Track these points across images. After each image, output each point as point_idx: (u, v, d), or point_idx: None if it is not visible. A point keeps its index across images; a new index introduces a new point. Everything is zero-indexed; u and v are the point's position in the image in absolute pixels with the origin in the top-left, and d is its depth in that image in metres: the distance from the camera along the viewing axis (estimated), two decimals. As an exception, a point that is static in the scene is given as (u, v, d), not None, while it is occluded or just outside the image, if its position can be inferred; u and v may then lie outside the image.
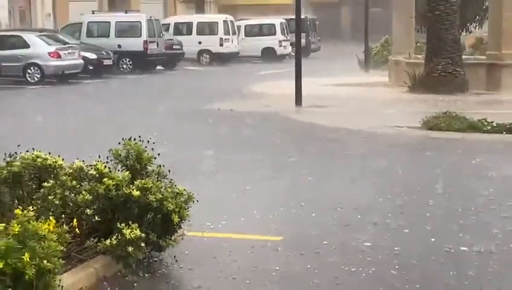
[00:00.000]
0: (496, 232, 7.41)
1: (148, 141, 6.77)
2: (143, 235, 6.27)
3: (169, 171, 6.78)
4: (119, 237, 6.21)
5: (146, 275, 6.20)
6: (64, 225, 5.85)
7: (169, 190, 6.60)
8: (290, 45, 39.65)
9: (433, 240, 7.18)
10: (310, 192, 9.42)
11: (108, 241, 6.24)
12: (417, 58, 23.49)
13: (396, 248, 6.88)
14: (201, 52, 37.99)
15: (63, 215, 6.17)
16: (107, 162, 6.63)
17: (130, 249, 6.19)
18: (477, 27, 31.73)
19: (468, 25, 29.88)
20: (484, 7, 27.82)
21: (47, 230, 5.32)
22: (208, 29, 38.89)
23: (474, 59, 23.77)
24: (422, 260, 6.60)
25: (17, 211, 5.44)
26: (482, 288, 5.91)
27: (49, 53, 26.86)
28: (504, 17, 21.68)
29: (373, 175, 10.41)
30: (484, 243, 6.94)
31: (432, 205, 8.55)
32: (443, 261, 6.53)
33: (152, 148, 6.76)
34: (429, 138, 13.74)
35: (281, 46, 40.98)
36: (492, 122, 14.03)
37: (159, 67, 33.53)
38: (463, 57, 22.21)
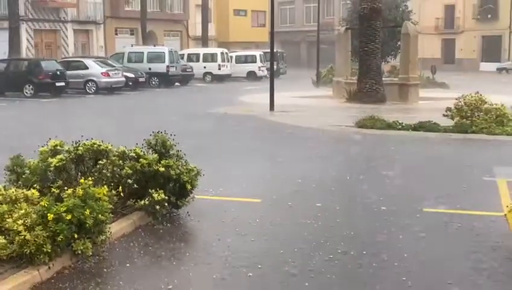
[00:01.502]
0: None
1: (170, 134, 6.76)
2: (166, 197, 6.26)
3: (184, 154, 6.76)
4: (150, 199, 6.20)
5: (168, 225, 6.19)
6: (113, 190, 5.85)
7: (185, 167, 6.59)
8: (266, 69, 39.58)
9: (356, 198, 7.21)
10: (278, 168, 9.41)
11: (142, 201, 6.23)
12: (352, 79, 23.51)
13: (337, 207, 6.90)
14: (205, 74, 37.77)
15: (112, 184, 6.16)
16: (142, 147, 6.61)
17: (157, 207, 6.19)
18: (392, 58, 31.87)
19: (386, 56, 29.99)
20: (397, 45, 27.93)
21: (101, 194, 5.30)
22: (210, 58, 38.63)
23: (390, 80, 23.83)
24: (346, 209, 6.62)
25: (81, 181, 5.42)
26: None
27: (102, 73, 26.68)
28: (411, 51, 21.79)
29: (320, 157, 10.42)
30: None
31: (357, 177, 8.58)
32: (355, 207, 6.56)
33: (173, 139, 6.75)
34: (359, 133, 13.79)
35: (260, 70, 40.76)
36: (402, 123, 14.08)
37: (176, 83, 33.33)
38: (383, 78, 22.27)
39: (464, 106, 13.72)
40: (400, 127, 13.90)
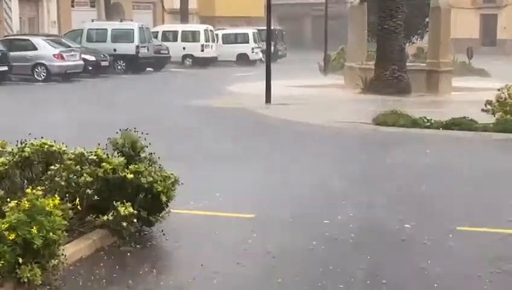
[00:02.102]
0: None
1: (141, 133, 6.74)
2: (135, 212, 6.25)
3: (158, 157, 6.75)
4: (115, 214, 6.18)
5: (137, 246, 6.17)
6: (68, 203, 5.82)
7: (159, 174, 6.57)
8: (261, 51, 39.65)
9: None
10: (275, 176, 9.41)
11: (105, 217, 6.20)
12: (368, 64, 23.57)
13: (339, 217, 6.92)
14: (185, 57, 37.77)
15: (66, 195, 6.14)
16: (105, 149, 6.59)
17: (124, 224, 6.17)
18: (418, 39, 31.98)
19: (411, 37, 30.11)
20: (425, 22, 28.03)
21: (53, 207, 5.27)
22: (191, 36, 38.66)
23: (416, 66, 23.92)
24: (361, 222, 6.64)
25: (28, 190, 5.39)
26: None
27: (54, 55, 26.58)
28: (441, 30, 21.85)
29: (328, 162, 10.43)
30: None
31: (374, 188, 8.59)
32: (372, 226, 6.57)
33: (145, 138, 6.73)
34: (377, 132, 13.81)
35: (253, 52, 40.86)
36: (431, 119, 14.13)
37: (148, 68, 33.26)
38: (407, 64, 22.34)
39: (508, 99, 13.78)
40: (428, 124, 13.95)
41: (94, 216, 6.28)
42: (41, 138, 6.58)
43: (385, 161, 10.69)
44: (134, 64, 31.66)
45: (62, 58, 26.74)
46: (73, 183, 6.28)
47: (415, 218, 7.14)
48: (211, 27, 39.76)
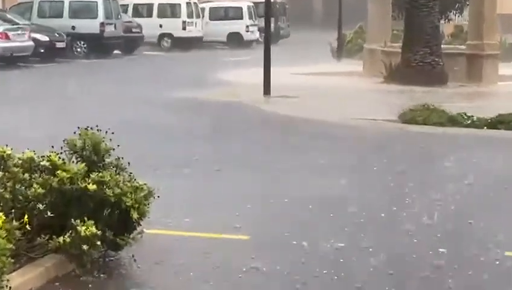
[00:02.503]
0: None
1: (106, 132, 6.70)
2: (99, 232, 6.22)
3: (128, 163, 6.73)
4: (73, 234, 6.16)
5: (101, 275, 6.14)
6: (14, 221, 5.79)
7: (128, 184, 6.55)
8: (258, 30, 39.71)
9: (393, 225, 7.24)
10: (276, 187, 9.42)
11: (61, 238, 6.18)
12: (393, 46, 23.62)
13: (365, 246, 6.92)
14: (162, 36, 37.86)
15: (12, 210, 6.11)
16: (61, 153, 6.57)
17: (84, 247, 6.14)
18: (457, 15, 32.04)
19: (447, 12, 30.20)
20: (465, -6, 28.11)
21: (-5, 226, 5.26)
22: (170, 11, 38.74)
23: (454, 49, 23.98)
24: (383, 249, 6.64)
25: (-37, 205, 5.37)
26: None
27: (-3, 34, 26.61)
28: (486, 4, 21.87)
29: (343, 170, 10.42)
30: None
31: (400, 203, 8.60)
32: (397, 250, 6.57)
33: (110, 139, 6.70)
34: (405, 131, 13.82)
35: (248, 31, 40.96)
36: (472, 116, 14.14)
37: (116, 51, 33.30)
38: (442, 46, 22.38)
39: None
40: (468, 122, 13.97)
41: (47, 238, 6.25)
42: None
43: (415, 171, 10.68)
44: (98, 45, 31.68)
45: (7, 37, 26.75)
46: (20, 196, 6.26)
47: (454, 242, 7.14)
48: (195, -1, 39.85)
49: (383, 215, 8.16)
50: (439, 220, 7.94)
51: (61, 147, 6.61)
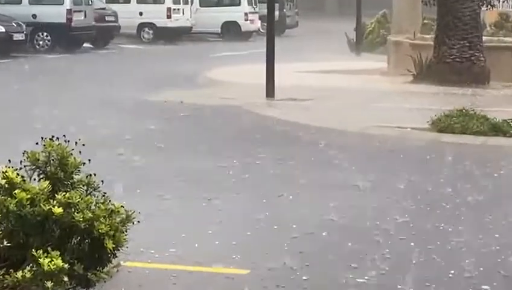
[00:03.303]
0: None
1: (76, 143, 6.69)
2: (66, 265, 6.22)
3: (102, 181, 6.72)
4: (35, 268, 6.15)
5: (70, 319, 6.15)
6: (-38, 251, 5.79)
7: (102, 207, 6.54)
8: (259, 19, 39.78)
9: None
10: (280, 211, 9.44)
11: (19, 273, 6.17)
12: (424, 38, 23.65)
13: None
14: (142, 26, 37.92)
15: (-40, 238, 6.11)
16: (20, 169, 6.56)
17: (48, 284, 6.14)
18: (500, 0, 32.10)
19: (490, -4, 30.19)
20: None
21: None
22: (152, -5, 38.85)
23: (498, 41, 24.00)
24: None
25: None
26: None
27: None
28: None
29: (362, 190, 10.44)
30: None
31: (425, 230, 8.60)
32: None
33: (80, 152, 6.69)
34: (440, 142, 13.83)
35: (247, 20, 41.04)
36: (521, 123, 14.19)
37: (86, 44, 33.39)
38: (484, 38, 22.39)
39: None
40: (516, 131, 14.01)
41: (2, 272, 6.26)
42: None
43: (458, 191, 10.65)
44: (64, 38, 31.77)
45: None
46: (-31, 222, 6.26)
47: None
48: (182, -19, 39.92)
49: (430, 247, 8.12)
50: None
51: (20, 161, 6.60)
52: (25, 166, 6.59)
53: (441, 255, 7.73)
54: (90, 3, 33.38)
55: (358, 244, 8.07)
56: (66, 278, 6.20)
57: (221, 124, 15.91)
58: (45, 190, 6.43)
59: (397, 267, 7.38)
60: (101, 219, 6.42)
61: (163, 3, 38.10)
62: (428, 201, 9.99)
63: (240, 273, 7.23)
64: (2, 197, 6.39)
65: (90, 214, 6.39)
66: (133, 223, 6.62)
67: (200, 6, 40.77)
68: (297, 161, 12.48)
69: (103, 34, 34.14)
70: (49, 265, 6.12)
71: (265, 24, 21.86)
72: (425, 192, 10.51)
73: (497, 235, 8.43)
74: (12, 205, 6.32)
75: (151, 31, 37.86)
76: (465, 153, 13.23)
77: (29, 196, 6.37)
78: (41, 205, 6.34)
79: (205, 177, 11.11)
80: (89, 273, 6.45)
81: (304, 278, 7.09)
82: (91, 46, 33.65)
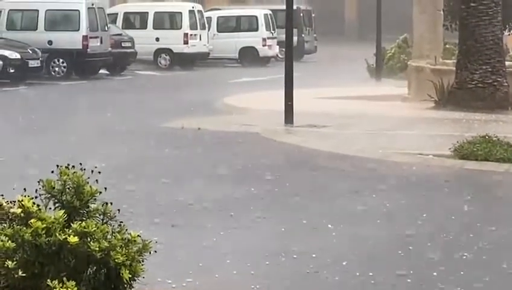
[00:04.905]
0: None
1: (92, 171, 6.70)
2: (82, 296, 6.22)
3: (118, 210, 6.72)
4: (50, 299, 6.15)
5: None
6: (-23, 282, 5.79)
7: (118, 236, 6.53)
8: (278, 44, 39.84)
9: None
10: (302, 240, 9.40)
11: (34, 304, 6.18)
12: (446, 63, 23.60)
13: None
14: (159, 52, 38.00)
15: (-26, 269, 6.11)
16: (35, 197, 6.57)
17: (64, 315, 6.14)
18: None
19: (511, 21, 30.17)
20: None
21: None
22: (169, 21, 38.98)
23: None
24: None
25: None
26: None
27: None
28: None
29: (388, 221, 10.41)
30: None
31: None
32: None
33: (97, 180, 6.69)
34: (463, 169, 13.78)
35: (265, 45, 41.07)
36: (546, 150, 14.12)
37: (102, 71, 33.50)
38: (506, 63, 22.34)
39: None
40: (542, 158, 13.94)
41: (17, 303, 6.26)
42: None
43: (488, 221, 10.59)
44: (80, 64, 31.90)
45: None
46: (-16, 251, 6.27)
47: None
48: (199, 6, 40.13)
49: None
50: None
51: (36, 190, 6.60)
52: (40, 195, 6.60)
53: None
54: (106, 29, 33.47)
55: (379, 276, 8.05)
56: (82, 309, 6.20)
57: (239, 151, 15.89)
58: (61, 219, 6.43)
59: None
60: (118, 249, 6.41)
61: (180, 28, 38.17)
62: (434, 223, 9.96)
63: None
64: (18, 227, 6.40)
65: (106, 244, 6.38)
66: (150, 252, 6.62)
67: (218, 31, 40.86)
68: (318, 189, 12.47)
69: (119, 60, 34.25)
70: (64, 296, 6.12)
71: (284, 49, 21.89)
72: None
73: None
74: (27, 234, 6.32)
75: (168, 57, 37.93)
76: (486, 180, 13.17)
77: (44, 225, 6.37)
78: (57, 234, 6.34)
79: (223, 205, 11.10)
80: (105, 304, 6.45)
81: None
82: (107, 72, 33.75)
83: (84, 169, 6.64)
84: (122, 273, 6.41)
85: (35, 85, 29.11)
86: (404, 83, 25.90)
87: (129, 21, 38.73)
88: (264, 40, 41.07)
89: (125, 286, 6.52)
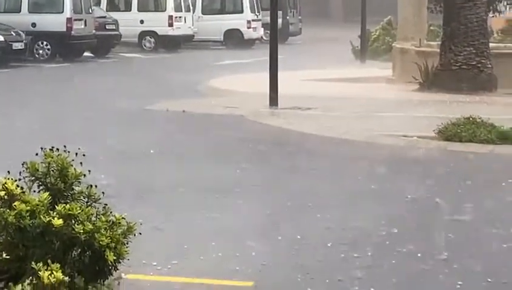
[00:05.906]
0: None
1: (76, 153, 6.68)
2: (66, 278, 6.21)
3: (103, 193, 6.71)
4: (34, 281, 6.14)
5: (70, 333, 6.14)
6: (-40, 264, 5.78)
7: (103, 219, 6.53)
8: (262, 26, 39.80)
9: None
10: (285, 221, 9.41)
11: (19, 286, 6.16)
12: (430, 45, 23.63)
13: None
14: (143, 35, 37.93)
15: (-42, 252, 6.11)
16: (19, 180, 6.56)
17: (48, 297, 6.14)
18: (507, 7, 32.10)
19: (496, 2, 30.21)
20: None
21: None
22: (153, 4, 38.89)
23: (505, 48, 23.97)
24: None
25: None
26: None
27: None
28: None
29: (373, 202, 10.43)
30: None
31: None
32: None
33: (81, 163, 6.68)
34: (447, 151, 13.82)
35: (249, 27, 41.04)
36: (529, 131, 14.17)
37: (86, 53, 33.42)
38: (491, 45, 22.36)
39: None
40: (525, 139, 13.99)
41: (2, 285, 6.25)
42: None
43: (475, 203, 10.63)
44: (64, 47, 31.79)
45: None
46: (-32, 234, 6.26)
47: None
48: (184, -12, 39.95)
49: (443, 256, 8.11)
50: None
51: (20, 173, 6.59)
52: (24, 177, 6.59)
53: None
54: (90, 11, 33.39)
55: (364, 257, 8.08)
56: (66, 291, 6.20)
57: (224, 133, 15.88)
58: (45, 202, 6.42)
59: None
60: (102, 231, 6.41)
61: (164, 11, 38.07)
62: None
63: (244, 285, 7.22)
64: (1, 209, 6.38)
65: (90, 226, 6.37)
66: (135, 234, 6.62)
67: (202, 14, 40.79)
68: (301, 171, 12.49)
69: (104, 42, 34.14)
70: (49, 278, 6.10)
71: (268, 32, 21.86)
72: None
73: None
74: (11, 216, 6.31)
75: (152, 40, 37.85)
76: (470, 162, 13.21)
77: (28, 207, 6.35)
78: (41, 216, 6.33)
79: (208, 187, 11.09)
80: (90, 286, 6.43)
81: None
82: (91, 55, 33.66)
83: (69, 151, 6.64)
84: (107, 256, 6.41)
85: (18, 68, 28.99)
86: (388, 65, 25.95)
87: (113, 3, 38.60)
88: (248, 22, 41.02)
89: (110, 268, 6.52)
